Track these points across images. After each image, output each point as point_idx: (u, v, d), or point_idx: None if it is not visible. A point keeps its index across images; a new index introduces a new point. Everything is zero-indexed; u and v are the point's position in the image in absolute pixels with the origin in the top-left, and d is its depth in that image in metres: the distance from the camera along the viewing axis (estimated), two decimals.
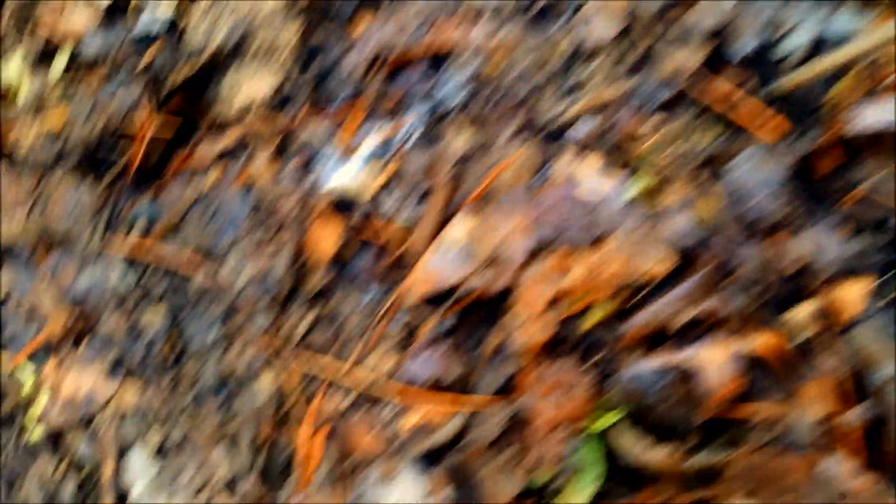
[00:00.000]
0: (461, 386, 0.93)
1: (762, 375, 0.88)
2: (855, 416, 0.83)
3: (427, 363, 0.94)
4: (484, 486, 0.91)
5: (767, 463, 0.83)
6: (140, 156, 1.09)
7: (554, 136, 1.01)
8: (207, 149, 1.09)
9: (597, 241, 0.94)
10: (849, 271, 0.92)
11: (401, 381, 0.95)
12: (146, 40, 1.10)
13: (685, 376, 0.87)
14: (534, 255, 0.94)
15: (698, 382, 0.86)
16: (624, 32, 1.04)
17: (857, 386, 0.87)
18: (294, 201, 1.02)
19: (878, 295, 0.92)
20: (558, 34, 1.05)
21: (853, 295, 0.90)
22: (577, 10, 1.07)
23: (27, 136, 1.10)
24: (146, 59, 1.09)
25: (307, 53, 1.10)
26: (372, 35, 1.06)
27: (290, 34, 1.09)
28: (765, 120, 0.98)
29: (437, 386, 0.93)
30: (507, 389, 0.92)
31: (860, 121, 0.94)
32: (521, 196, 0.96)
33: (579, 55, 1.05)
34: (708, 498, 0.85)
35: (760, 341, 0.87)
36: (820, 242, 0.93)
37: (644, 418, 0.88)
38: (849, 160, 0.97)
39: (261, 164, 1.06)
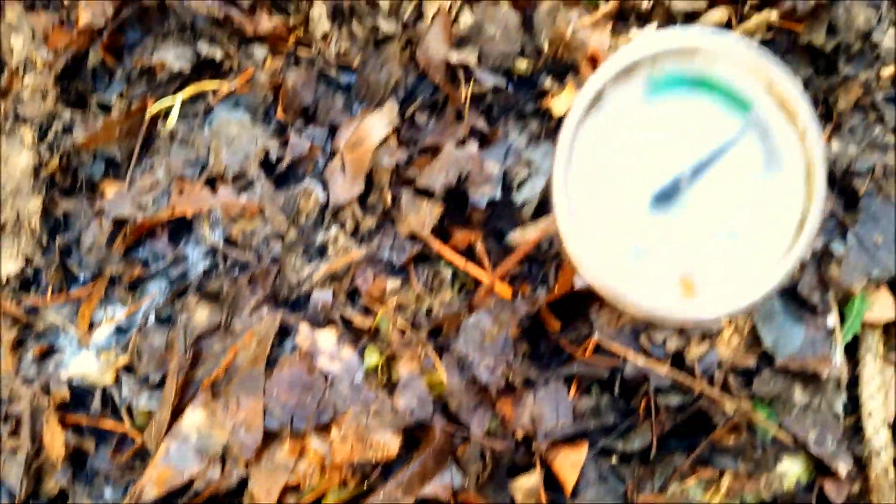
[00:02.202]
0: None
1: None
2: None
3: None
4: None
5: None
6: None
7: (295, 307, 1.03)
8: None
9: (331, 422, 0.95)
10: (570, 437, 0.96)
11: None
12: None
13: None
14: (268, 440, 0.94)
15: None
16: (366, 192, 1.06)
17: None
18: (31, 393, 1.00)
19: (597, 461, 0.96)
20: (302, 196, 1.06)
21: (572, 462, 0.94)
22: (321, 170, 1.08)
23: None
24: None
25: (53, 226, 1.08)
26: (115, 204, 1.05)
27: (36, 205, 1.07)
28: (500, 275, 1.02)
29: None
30: None
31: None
32: (258, 376, 0.97)
33: (323, 217, 1.06)
34: None
35: None
36: (545, 406, 0.97)
37: None
38: (579, 315, 1.02)
39: (4, 352, 1.03)
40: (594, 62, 1.12)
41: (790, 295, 1.13)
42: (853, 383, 1.12)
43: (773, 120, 0.35)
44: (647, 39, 0.35)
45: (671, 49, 0.35)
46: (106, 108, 1.11)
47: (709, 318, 0.36)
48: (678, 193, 0.36)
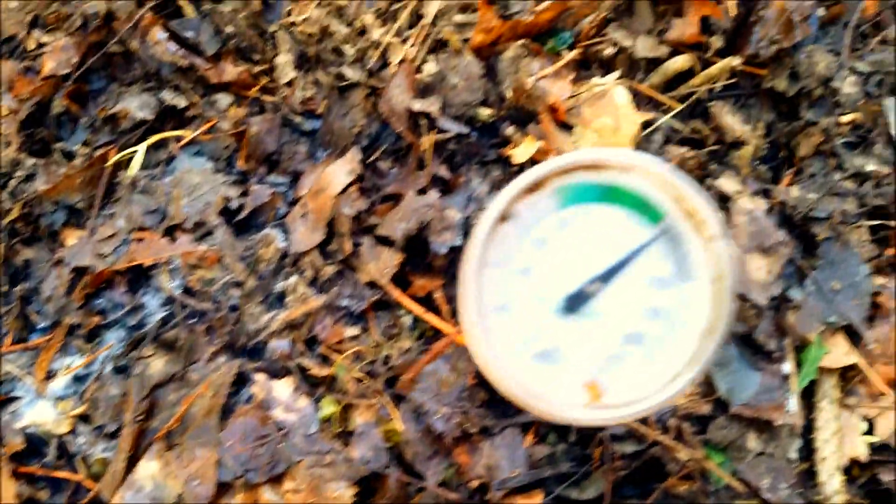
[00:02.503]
0: None
1: None
2: None
3: None
4: None
5: None
6: None
7: (253, 355, 1.04)
8: None
9: (285, 473, 0.96)
10: (525, 485, 0.97)
11: None
12: None
13: None
14: (222, 492, 0.95)
15: None
16: (327, 240, 1.07)
17: None
18: None
19: None
20: (262, 244, 1.07)
21: None
22: (282, 217, 1.09)
23: None
24: None
25: (13, 274, 1.09)
26: (76, 253, 1.06)
27: None
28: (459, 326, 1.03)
29: None
30: None
31: None
32: (212, 426, 0.98)
33: (283, 265, 1.07)
34: None
35: None
36: (500, 454, 0.98)
37: None
38: None
39: None
40: (554, 111, 1.14)
41: (746, 342, 1.15)
42: (808, 429, 1.13)
43: (683, 230, 0.37)
44: (556, 158, 0.37)
45: (581, 163, 0.36)
46: (69, 156, 1.12)
47: (614, 421, 0.37)
48: (587, 299, 0.37)
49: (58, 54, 1.11)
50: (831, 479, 1.10)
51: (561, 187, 0.37)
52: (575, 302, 0.37)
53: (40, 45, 1.13)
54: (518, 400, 0.36)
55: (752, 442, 1.10)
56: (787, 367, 1.16)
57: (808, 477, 1.11)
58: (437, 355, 1.03)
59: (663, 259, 0.37)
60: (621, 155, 0.36)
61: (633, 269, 0.37)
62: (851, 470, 1.13)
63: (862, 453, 1.12)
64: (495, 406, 1.04)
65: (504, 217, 0.37)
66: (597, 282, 0.36)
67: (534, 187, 0.37)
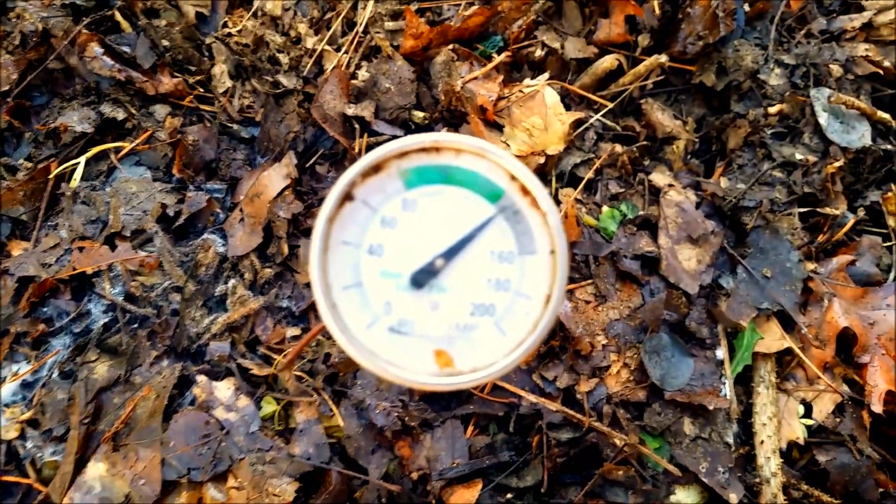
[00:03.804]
0: None
1: None
2: None
3: None
4: None
5: None
6: None
7: (195, 358, 1.08)
8: None
9: (228, 471, 1.00)
10: (466, 475, 1.01)
11: None
12: None
13: None
14: (167, 490, 0.99)
15: None
16: (265, 243, 1.11)
17: None
18: None
19: (492, 498, 1.02)
20: (201, 249, 1.11)
21: (466, 500, 0.99)
22: (221, 223, 1.14)
23: None
24: None
25: None
26: (20, 263, 1.10)
27: None
28: None
29: None
30: None
31: None
32: (155, 428, 1.02)
33: (222, 269, 1.12)
34: None
35: None
36: (441, 446, 1.02)
37: None
38: None
39: None
40: (484, 112, 1.19)
41: (678, 329, 1.19)
42: (748, 413, 1.17)
43: (521, 207, 0.42)
44: (394, 142, 0.42)
45: (416, 146, 0.42)
46: (13, 171, 1.17)
47: (462, 386, 0.42)
48: (435, 275, 0.42)
49: None
50: (769, 462, 1.14)
51: (404, 170, 0.42)
52: (422, 277, 0.42)
53: None
54: (373, 369, 0.41)
55: (688, 427, 1.15)
56: (721, 353, 1.21)
57: (748, 460, 1.14)
58: None
59: (507, 235, 0.42)
60: (454, 139, 0.41)
61: (477, 245, 0.42)
62: (790, 452, 1.17)
63: (800, 436, 1.16)
64: (436, 400, 1.09)
65: (349, 198, 0.42)
66: (441, 258, 0.41)
67: (374, 169, 0.42)
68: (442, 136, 0.41)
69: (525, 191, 0.41)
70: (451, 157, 0.42)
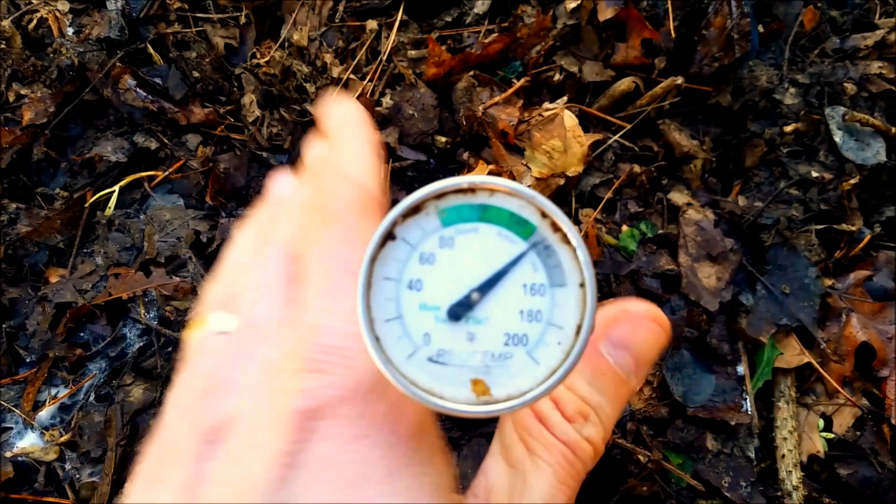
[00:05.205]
0: None
1: None
2: None
3: None
4: None
5: None
6: None
7: None
8: None
9: None
10: None
11: None
12: None
13: None
14: None
15: None
16: None
17: None
18: None
19: None
20: None
21: None
22: None
23: None
24: None
25: (1, 312, 1.18)
26: (58, 290, 1.15)
27: None
28: None
29: None
30: None
31: None
32: None
33: None
34: None
35: None
36: (466, 464, 1.05)
37: None
38: None
39: None
40: (505, 136, 1.23)
41: (699, 346, 1.22)
42: (768, 428, 1.20)
43: (552, 241, 0.46)
44: (433, 184, 0.46)
45: (451, 188, 0.45)
46: (50, 200, 1.22)
47: (498, 413, 0.46)
48: (471, 307, 0.46)
49: (36, 105, 1.21)
50: (791, 476, 1.16)
51: (442, 209, 0.46)
52: (459, 310, 0.46)
53: (19, 97, 1.23)
54: (414, 398, 0.45)
55: (711, 442, 1.17)
56: (741, 369, 1.24)
57: (769, 474, 1.17)
58: None
59: (539, 269, 0.46)
60: (489, 180, 0.45)
61: (510, 278, 0.46)
62: (811, 466, 1.19)
63: (820, 449, 1.18)
64: (463, 420, 1.12)
65: (391, 237, 0.46)
66: (476, 291, 0.45)
67: (414, 210, 0.46)
68: (477, 178, 0.45)
69: (556, 227, 0.45)
70: (486, 197, 0.45)
